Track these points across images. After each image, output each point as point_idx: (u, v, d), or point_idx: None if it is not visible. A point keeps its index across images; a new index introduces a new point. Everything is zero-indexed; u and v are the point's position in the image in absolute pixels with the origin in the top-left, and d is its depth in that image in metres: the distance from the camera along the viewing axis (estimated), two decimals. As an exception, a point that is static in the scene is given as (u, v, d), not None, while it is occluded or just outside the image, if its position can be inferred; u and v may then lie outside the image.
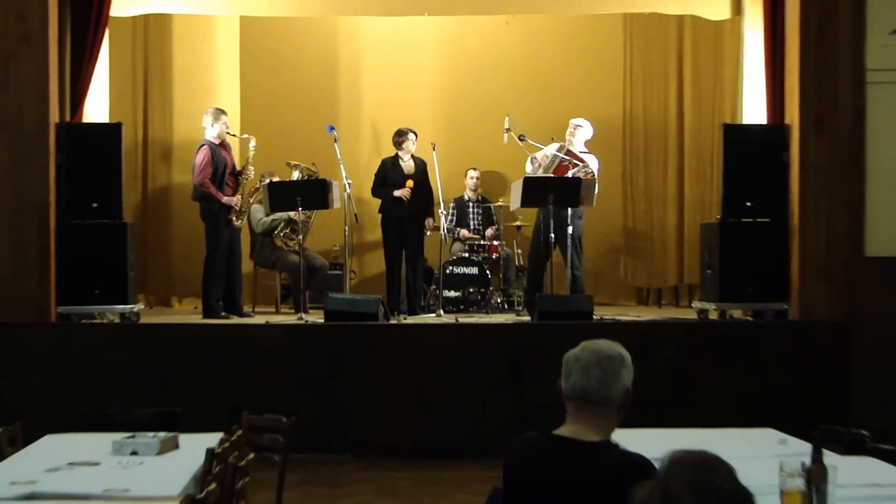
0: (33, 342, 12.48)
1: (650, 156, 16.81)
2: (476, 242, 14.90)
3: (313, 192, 13.99)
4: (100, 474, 6.18)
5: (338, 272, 14.75)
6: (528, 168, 14.54)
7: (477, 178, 15.46)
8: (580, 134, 14.59)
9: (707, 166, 15.88)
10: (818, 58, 13.10)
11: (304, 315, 13.59)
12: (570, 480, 4.78)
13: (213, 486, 5.81)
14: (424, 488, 10.92)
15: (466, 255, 14.80)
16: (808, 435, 6.61)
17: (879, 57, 13.08)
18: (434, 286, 14.76)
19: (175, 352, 12.49)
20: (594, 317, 12.99)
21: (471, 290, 14.53)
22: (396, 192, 14.41)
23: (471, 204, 15.25)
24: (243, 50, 16.45)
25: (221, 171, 13.84)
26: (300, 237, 14.42)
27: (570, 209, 14.04)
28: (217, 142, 13.94)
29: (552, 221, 14.04)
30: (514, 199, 14.28)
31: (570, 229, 14.04)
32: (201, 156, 13.84)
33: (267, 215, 14.39)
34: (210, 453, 6.37)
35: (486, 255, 14.83)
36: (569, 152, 14.49)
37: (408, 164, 14.58)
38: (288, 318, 13.79)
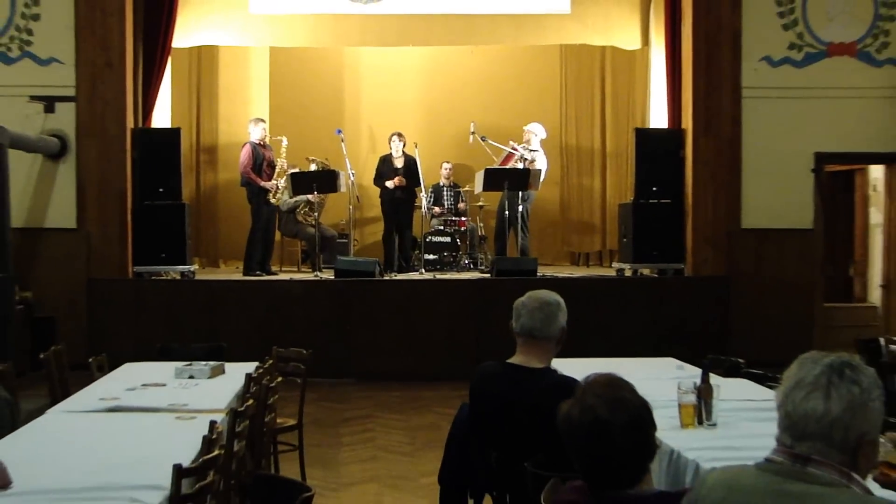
0: (116, 293, 12.53)
1: (581, 153, 16.71)
2: (449, 218, 14.89)
3: (325, 179, 13.98)
4: (165, 393, 6.28)
5: (344, 241, 14.71)
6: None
7: (449, 169, 15.40)
8: (534, 137, 14.60)
9: (623, 160, 15.83)
10: (706, 78, 13.19)
11: (318, 273, 13.55)
12: (519, 397, 4.89)
13: (250, 401, 5.88)
14: (410, 403, 11.02)
15: (442, 227, 14.76)
16: (698, 362, 6.74)
17: (751, 78, 13.20)
18: (417, 251, 14.72)
19: (221, 301, 12.55)
20: (538, 274, 13.06)
21: (445, 253, 14.51)
22: (388, 183, 14.43)
23: (445, 189, 15.19)
24: (272, 72, 16.36)
25: (260, 163, 13.79)
26: (316, 214, 14.39)
27: (520, 193, 14.10)
28: (258, 141, 13.89)
29: (507, 203, 14.12)
30: (478, 185, 14.30)
31: (520, 208, 14.11)
32: (244, 153, 13.82)
33: (290, 198, 14.40)
34: (248, 377, 6.42)
35: (456, 228, 14.80)
36: (513, 148, 14.55)
37: (399, 160, 14.56)
38: (306, 276, 13.73)
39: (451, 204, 15.01)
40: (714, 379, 5.42)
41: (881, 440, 2.73)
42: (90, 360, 7.38)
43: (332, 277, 13.05)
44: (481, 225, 15.49)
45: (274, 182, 13.94)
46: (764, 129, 13.19)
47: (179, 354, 7.70)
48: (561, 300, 5.10)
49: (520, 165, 14.34)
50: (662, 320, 12.43)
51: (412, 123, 16.05)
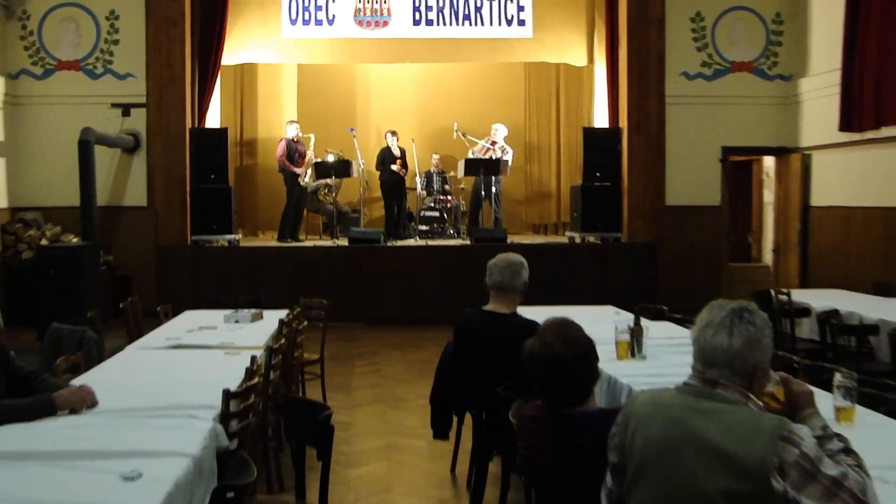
0: (177, 257, 12.50)
1: (541, 147, 16.68)
2: (437, 197, 14.84)
3: (341, 167, 13.89)
4: (217, 334, 6.31)
5: (356, 215, 14.62)
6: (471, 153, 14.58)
7: (438, 159, 15.29)
8: (499, 133, 14.55)
9: (574, 153, 15.75)
10: (637, 89, 13.18)
11: (336, 241, 13.51)
12: (492, 336, 4.91)
13: (283, 340, 5.91)
14: (408, 342, 11.03)
15: (432, 205, 14.71)
16: (631, 309, 6.74)
17: (673, 88, 13.23)
18: (413, 223, 14.71)
19: (260, 262, 12.52)
20: (507, 241, 13.04)
21: (435, 225, 14.45)
22: (393, 167, 14.36)
23: (434, 175, 15.13)
24: (299, 84, 16.23)
25: (293, 154, 13.72)
26: (334, 194, 14.40)
27: (493, 177, 14.08)
28: (291, 137, 13.82)
29: (482, 185, 14.09)
30: (460, 171, 14.25)
31: (493, 189, 14.09)
32: (281, 146, 13.79)
33: (314, 181, 14.34)
34: (281, 322, 6.43)
35: (443, 205, 14.75)
36: (493, 143, 14.49)
37: (396, 150, 14.53)
38: (326, 243, 13.68)
39: (439, 186, 14.94)
40: (643, 322, 5.47)
41: (771, 373, 2.76)
42: (158, 308, 7.39)
43: (346, 244, 13.00)
44: (463, 203, 15.44)
45: (303, 169, 13.90)
46: (682, 128, 13.20)
47: (227, 304, 7.66)
48: (524, 261, 5.11)
49: (498, 155, 14.34)
50: (604, 277, 12.44)
51: (409, 123, 15.99)
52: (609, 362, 4.86)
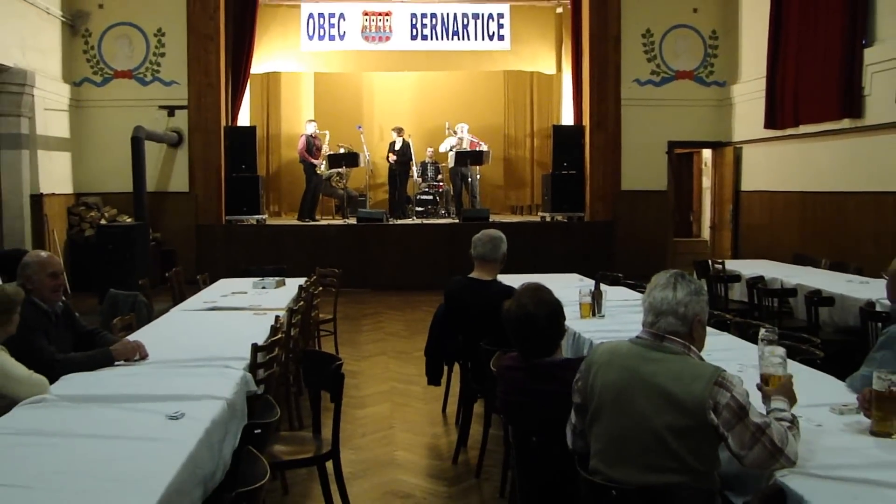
0: (214, 233, 12.46)
1: (517, 141, 16.68)
2: (431, 183, 14.76)
3: (350, 159, 13.85)
4: (247, 298, 6.25)
5: (363, 199, 14.59)
6: (446, 146, 14.59)
7: (432, 152, 15.26)
8: (464, 130, 14.44)
9: (545, 146, 15.71)
10: (598, 93, 13.12)
11: (346, 220, 13.48)
12: (476, 299, 4.89)
13: (302, 303, 5.89)
14: (407, 304, 11.02)
15: (427, 189, 14.65)
16: (592, 276, 6.72)
17: (627, 93, 13.19)
18: (411, 205, 14.64)
19: (284, 238, 12.47)
20: (490, 219, 12.97)
21: (429, 206, 14.43)
22: (390, 157, 14.29)
23: (429, 165, 15.07)
24: (316, 89, 16.15)
25: (311, 148, 13.62)
26: (344, 181, 14.34)
27: (476, 166, 14.08)
28: (310, 134, 13.73)
29: (462, 172, 14.07)
30: (450, 162, 14.24)
31: (469, 179, 14.16)
32: (301, 141, 13.70)
33: (328, 170, 14.26)
34: (300, 287, 6.44)
35: (436, 190, 14.70)
36: (459, 139, 14.46)
37: (398, 144, 14.43)
38: (338, 222, 13.64)
39: (432, 174, 14.90)
40: (603, 287, 5.45)
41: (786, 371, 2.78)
42: (197, 277, 7.37)
43: (355, 222, 12.94)
44: (451, 188, 15.41)
45: (319, 160, 13.82)
46: (635, 126, 13.13)
47: (256, 273, 7.66)
48: (503, 236, 5.09)
49: (484, 148, 14.36)
50: (570, 250, 12.39)
51: (408, 122, 15.84)
52: (574, 320, 4.84)
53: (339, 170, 14.25)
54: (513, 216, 15.77)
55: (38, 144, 11.07)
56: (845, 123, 9.92)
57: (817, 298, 6.33)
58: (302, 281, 6.90)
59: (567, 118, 14.47)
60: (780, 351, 2.90)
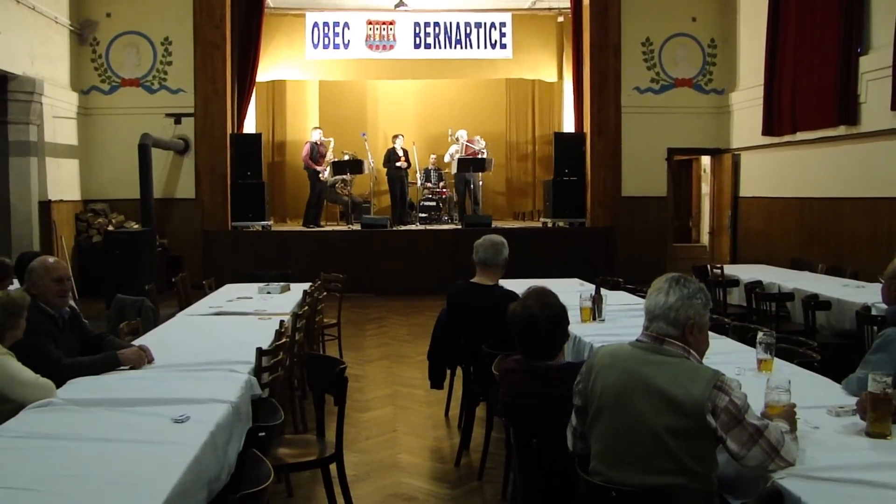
0: (220, 239, 12.44)
1: (520, 148, 16.71)
2: (435, 189, 14.75)
3: (355, 165, 13.81)
4: (252, 303, 6.25)
5: (367, 205, 14.58)
6: (450, 153, 14.57)
7: (435, 158, 15.26)
8: (462, 137, 14.43)
9: (547, 153, 15.73)
10: (598, 100, 13.10)
11: (350, 226, 13.48)
12: (478, 304, 4.88)
13: (306, 308, 5.88)
14: (409, 308, 11.01)
15: (430, 195, 14.64)
16: (593, 281, 6.72)
17: (627, 100, 13.17)
18: (414, 211, 14.65)
19: (288, 244, 12.46)
20: (492, 225, 12.93)
21: (432, 212, 14.40)
22: (398, 164, 14.18)
23: (431, 171, 15.06)
24: (321, 97, 16.22)
25: (315, 155, 13.62)
26: (349, 188, 14.33)
27: (479, 173, 14.08)
28: (315, 141, 13.71)
29: (466, 179, 14.07)
30: (453, 168, 14.23)
31: (472, 185, 14.15)
32: (306, 149, 13.68)
33: (332, 177, 14.26)
34: (305, 292, 6.42)
35: (439, 196, 14.69)
36: (468, 147, 14.46)
37: (400, 151, 14.42)
38: (342, 228, 13.64)
39: (435, 180, 14.90)
40: (603, 291, 5.45)
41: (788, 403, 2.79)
42: (203, 282, 7.38)
43: (359, 228, 12.94)
44: (455, 194, 15.42)
45: (323, 167, 13.82)
46: (635, 133, 13.12)
47: (261, 278, 7.62)
48: (505, 241, 5.09)
49: (477, 147, 14.39)
50: (571, 255, 12.39)
51: (411, 129, 15.89)
52: (574, 325, 4.72)
53: (344, 177, 14.25)
54: (515, 222, 15.77)
55: (46, 152, 11.09)
56: (841, 130, 9.93)
57: (814, 302, 6.34)
58: (306, 286, 6.88)
59: (568, 125, 14.48)
60: (786, 385, 2.89)
